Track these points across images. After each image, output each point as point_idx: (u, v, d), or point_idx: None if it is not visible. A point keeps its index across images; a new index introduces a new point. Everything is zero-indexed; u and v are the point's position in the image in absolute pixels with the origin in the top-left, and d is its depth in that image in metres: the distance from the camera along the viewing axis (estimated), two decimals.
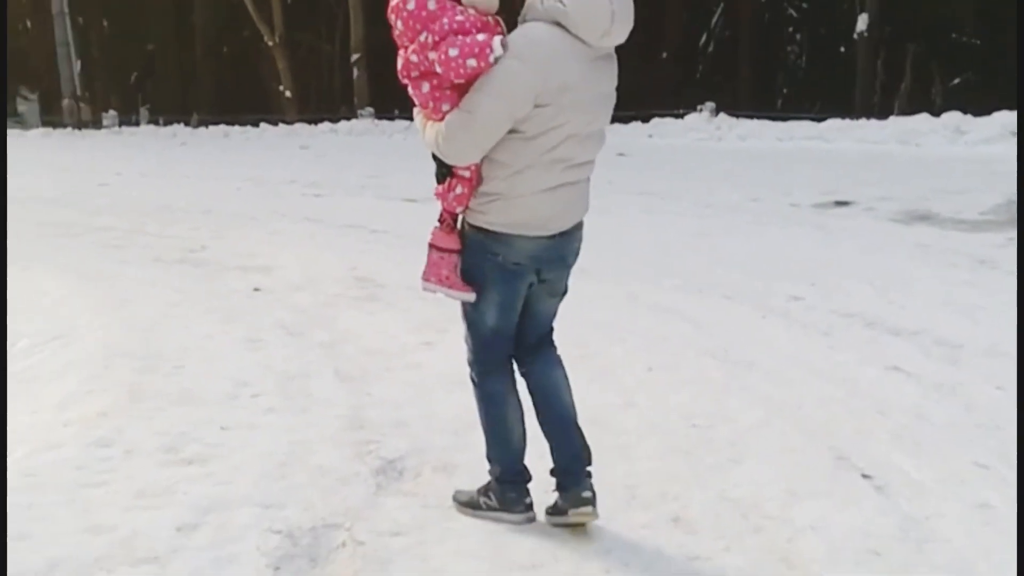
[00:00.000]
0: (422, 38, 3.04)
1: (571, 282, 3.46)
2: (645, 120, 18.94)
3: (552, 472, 3.44)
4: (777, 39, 27.38)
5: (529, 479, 3.47)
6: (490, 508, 3.45)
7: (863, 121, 16.71)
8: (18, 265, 7.92)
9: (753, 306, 6.32)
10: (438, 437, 4.20)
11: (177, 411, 4.49)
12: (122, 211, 11.19)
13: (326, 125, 22.45)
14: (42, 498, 3.51)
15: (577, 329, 5.64)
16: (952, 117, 15.16)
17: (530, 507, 3.45)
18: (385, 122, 21.75)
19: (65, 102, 25.49)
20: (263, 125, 22.96)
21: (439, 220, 3.28)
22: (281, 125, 23.08)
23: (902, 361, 5.10)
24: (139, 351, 5.43)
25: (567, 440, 3.42)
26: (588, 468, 3.40)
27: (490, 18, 3.11)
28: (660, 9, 24.13)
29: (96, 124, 25.16)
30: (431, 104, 3.10)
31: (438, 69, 3.02)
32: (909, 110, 18.06)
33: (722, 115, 18.68)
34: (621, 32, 3.10)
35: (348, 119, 22.86)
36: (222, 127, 23.00)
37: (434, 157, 3.19)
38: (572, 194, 3.23)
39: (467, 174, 3.16)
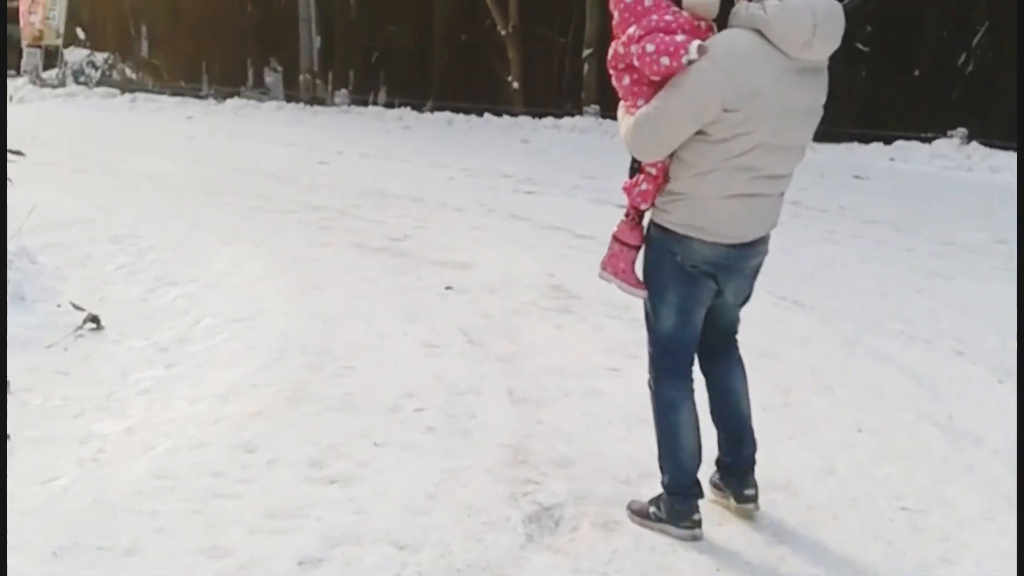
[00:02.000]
0: (631, 31, 3.08)
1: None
2: (888, 142, 17.74)
3: (717, 462, 3.58)
4: None
5: (700, 495, 3.44)
6: (657, 519, 3.44)
7: None
8: (223, 239, 8.02)
9: (988, 366, 5.54)
10: (605, 484, 3.76)
11: (334, 419, 4.24)
12: (336, 191, 11.25)
13: (550, 120, 22.17)
14: (168, 506, 3.29)
15: (781, 371, 5.11)
16: None
17: (698, 524, 3.40)
18: (609, 121, 21.21)
19: (301, 77, 26.37)
20: (487, 115, 22.94)
21: (625, 214, 3.34)
22: (505, 116, 23.01)
23: None
24: (314, 344, 5.25)
25: (739, 445, 3.52)
26: (754, 465, 3.52)
27: (702, 23, 3.09)
28: (916, 24, 22.61)
29: (328, 101, 25.85)
30: (629, 98, 3.17)
31: (635, 63, 3.07)
32: None
33: (974, 143, 17.24)
34: (823, 47, 3.05)
35: (572, 115, 22.49)
36: (447, 114, 23.14)
37: None
38: (758, 206, 3.21)
39: (653, 171, 3.20)
